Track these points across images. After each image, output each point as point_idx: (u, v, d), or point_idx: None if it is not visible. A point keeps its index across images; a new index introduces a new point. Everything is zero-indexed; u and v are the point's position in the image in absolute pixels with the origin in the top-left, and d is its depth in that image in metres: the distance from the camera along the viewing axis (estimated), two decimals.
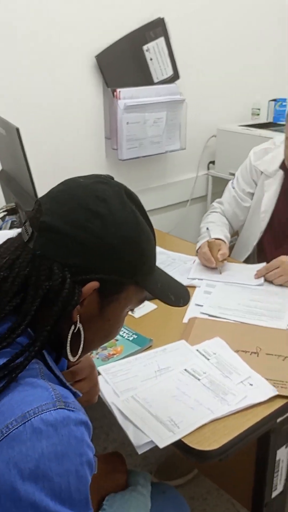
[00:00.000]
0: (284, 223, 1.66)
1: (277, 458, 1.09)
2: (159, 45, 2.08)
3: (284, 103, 2.40)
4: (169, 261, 1.66)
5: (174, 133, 2.22)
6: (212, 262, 1.53)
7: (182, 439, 0.89)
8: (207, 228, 1.65)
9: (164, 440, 0.87)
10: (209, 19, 2.27)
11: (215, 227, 1.70)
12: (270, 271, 1.48)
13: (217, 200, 1.85)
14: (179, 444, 0.89)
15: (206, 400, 0.97)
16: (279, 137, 1.71)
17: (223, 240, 1.61)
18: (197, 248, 1.61)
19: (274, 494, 1.12)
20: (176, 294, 0.76)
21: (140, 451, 0.87)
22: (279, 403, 1.00)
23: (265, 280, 1.49)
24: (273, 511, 1.15)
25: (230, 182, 1.81)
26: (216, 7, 2.27)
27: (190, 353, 1.12)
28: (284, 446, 1.10)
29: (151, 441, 0.88)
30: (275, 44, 2.51)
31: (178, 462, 1.72)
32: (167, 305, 1.36)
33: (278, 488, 1.13)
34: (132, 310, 0.75)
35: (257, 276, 1.50)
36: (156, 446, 0.88)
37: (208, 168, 2.52)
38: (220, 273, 1.54)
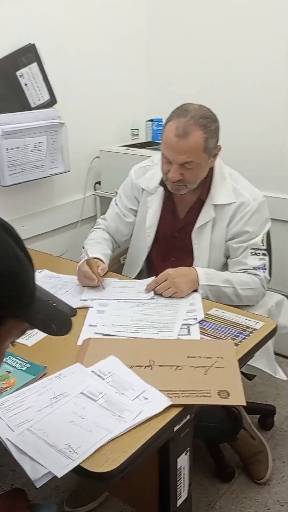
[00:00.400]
0: (168, 236, 1.74)
1: (178, 466, 1.13)
2: (32, 71, 2.09)
3: (160, 123, 2.52)
4: (61, 284, 1.65)
5: (57, 156, 2.23)
6: (94, 279, 1.55)
7: (81, 464, 0.89)
8: (83, 247, 1.68)
9: (62, 469, 0.86)
10: (80, 43, 2.32)
11: (94, 244, 1.73)
12: (158, 285, 1.53)
13: (101, 216, 1.89)
14: (79, 470, 0.89)
15: (103, 420, 0.98)
16: (157, 155, 1.79)
17: (99, 259, 1.65)
18: (77, 269, 1.62)
19: (179, 502, 1.16)
20: (58, 323, 0.77)
21: (38, 485, 0.86)
22: (174, 412, 1.03)
23: (155, 293, 1.54)
24: None
25: (113, 199, 1.85)
26: (85, 33, 2.33)
27: (86, 375, 1.12)
28: (184, 453, 1.13)
29: (49, 472, 0.86)
30: (146, 66, 2.62)
31: (89, 486, 1.70)
32: None
33: (183, 495, 1.16)
34: (13, 343, 0.74)
35: (147, 290, 1.54)
36: (66, 475, 0.86)
37: (95, 189, 2.56)
38: (103, 288, 1.56)
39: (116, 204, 1.82)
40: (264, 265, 1.63)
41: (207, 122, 1.48)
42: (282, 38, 2.14)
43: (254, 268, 1.61)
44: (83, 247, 1.69)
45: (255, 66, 2.26)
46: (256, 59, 2.25)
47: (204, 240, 1.65)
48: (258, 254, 1.62)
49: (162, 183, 1.67)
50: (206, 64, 2.39)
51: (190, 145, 1.46)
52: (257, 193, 1.64)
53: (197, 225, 1.65)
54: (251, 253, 1.61)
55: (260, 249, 1.63)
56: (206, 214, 1.64)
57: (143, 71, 2.63)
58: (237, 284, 1.57)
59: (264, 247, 1.64)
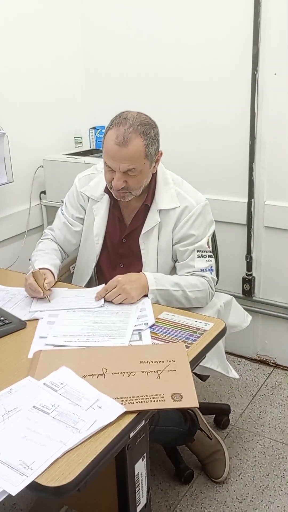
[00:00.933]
0: (116, 243, 1.74)
1: (136, 472, 1.13)
2: None
3: (103, 130, 2.52)
4: (9, 297, 1.62)
5: None
6: (39, 292, 1.53)
7: (36, 480, 0.87)
8: (30, 259, 1.67)
9: (16, 487, 0.84)
10: (17, 52, 2.29)
11: (43, 255, 1.71)
12: (108, 292, 1.53)
13: (49, 227, 1.88)
14: (34, 486, 0.87)
15: (57, 433, 0.96)
16: (101, 163, 1.79)
17: (48, 269, 1.63)
18: (24, 281, 1.60)
19: (138, 508, 1.16)
20: None
21: None
22: (129, 418, 1.03)
23: (105, 301, 1.53)
24: None
25: (59, 209, 1.84)
26: (23, 42, 2.31)
27: (38, 388, 1.10)
28: (141, 459, 1.14)
29: (3, 491, 0.84)
30: (86, 74, 2.63)
31: (47, 501, 1.66)
32: (10, 344, 1.34)
33: (142, 501, 1.16)
34: None
35: (97, 298, 1.54)
36: (23, 492, 0.84)
37: (40, 198, 2.53)
38: (49, 301, 1.54)
39: (63, 214, 1.81)
40: (211, 267, 1.67)
41: (146, 129, 1.50)
42: (228, 45, 2.20)
43: (201, 270, 1.64)
44: (30, 259, 1.67)
45: (197, 71, 2.31)
46: (197, 63, 2.30)
47: (151, 245, 1.67)
48: (204, 256, 1.65)
49: (107, 190, 1.68)
50: (147, 70, 2.42)
51: (130, 152, 1.48)
52: (200, 197, 1.68)
53: (143, 230, 1.66)
54: (198, 255, 1.64)
55: (206, 251, 1.66)
56: (151, 219, 1.66)
57: (83, 79, 2.63)
58: (185, 287, 1.59)
59: (210, 249, 1.68)
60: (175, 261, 1.70)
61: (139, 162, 1.50)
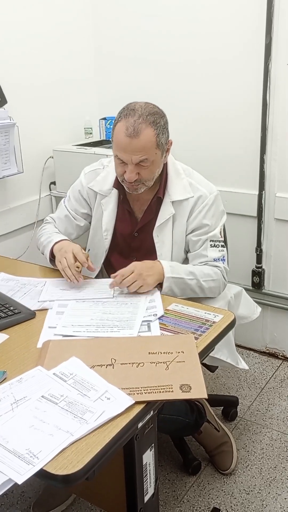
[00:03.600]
0: (127, 237, 1.73)
1: (144, 462, 1.13)
2: None
3: (113, 121, 2.51)
4: (19, 286, 1.62)
5: (9, 157, 2.18)
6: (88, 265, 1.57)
7: (44, 468, 0.88)
8: (39, 239, 1.75)
9: (22, 476, 0.85)
10: (29, 42, 2.29)
11: (58, 232, 1.75)
12: (125, 278, 1.50)
13: (50, 215, 1.86)
14: (42, 474, 0.87)
15: (65, 423, 0.97)
16: (106, 158, 1.78)
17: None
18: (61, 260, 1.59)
19: (146, 498, 1.16)
20: None
21: None
22: (138, 409, 1.03)
23: (117, 291, 1.53)
24: None
25: (62, 201, 1.83)
26: (35, 32, 2.30)
27: (47, 378, 1.11)
28: (149, 449, 1.14)
29: (9, 479, 0.85)
30: (98, 64, 2.61)
31: (55, 490, 1.68)
32: (19, 333, 1.35)
33: (149, 491, 1.17)
34: None
35: (113, 285, 1.52)
36: (32, 480, 0.85)
37: (50, 189, 2.53)
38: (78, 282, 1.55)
39: (65, 206, 1.79)
40: (224, 257, 1.66)
41: (156, 118, 1.49)
42: (240, 35, 2.18)
43: (214, 260, 1.64)
44: (39, 239, 1.72)
45: (209, 61, 2.28)
46: (209, 53, 2.28)
47: (166, 237, 1.66)
48: (217, 246, 1.64)
49: (117, 185, 1.66)
50: (157, 61, 2.40)
51: (142, 143, 1.46)
52: (211, 187, 1.67)
53: (157, 223, 1.65)
54: (211, 245, 1.64)
55: (219, 241, 1.66)
56: (165, 211, 1.64)
57: (94, 70, 2.62)
58: (199, 276, 1.59)
59: (222, 239, 1.68)
60: (187, 252, 1.69)
61: (151, 153, 1.49)
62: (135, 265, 1.52)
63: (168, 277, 1.54)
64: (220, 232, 1.67)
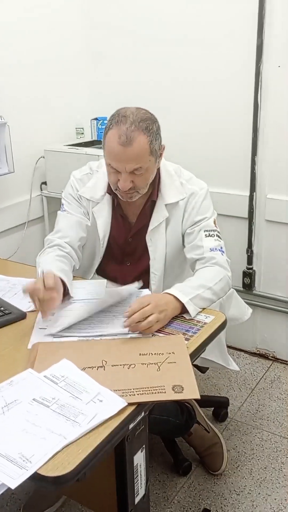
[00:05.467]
0: (122, 243, 1.70)
1: (135, 463, 1.13)
2: None
3: (105, 121, 2.50)
4: (9, 287, 1.61)
5: (0, 157, 2.17)
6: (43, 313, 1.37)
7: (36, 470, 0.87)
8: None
9: (15, 480, 0.84)
10: (22, 41, 2.28)
11: (49, 262, 1.54)
12: (142, 308, 1.30)
13: (51, 233, 1.70)
14: (33, 475, 0.87)
15: (57, 426, 0.96)
16: (93, 162, 1.73)
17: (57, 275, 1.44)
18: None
19: (137, 499, 1.16)
20: None
21: None
22: (129, 410, 1.03)
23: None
24: None
25: (61, 210, 1.71)
26: (27, 30, 2.29)
27: (38, 381, 1.10)
28: (140, 451, 1.14)
29: (2, 484, 0.84)
30: (89, 64, 2.61)
31: (46, 492, 1.67)
32: (9, 334, 1.33)
33: (140, 492, 1.17)
34: None
35: (128, 321, 1.29)
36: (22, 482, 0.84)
37: (41, 189, 2.52)
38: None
39: (69, 213, 1.68)
40: (221, 247, 1.60)
41: (148, 124, 1.44)
42: (231, 36, 2.19)
43: (211, 250, 1.57)
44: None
45: (200, 62, 2.29)
46: (201, 55, 2.28)
47: (159, 240, 1.64)
48: (212, 236, 1.60)
49: (110, 191, 1.62)
50: (149, 62, 2.40)
51: (136, 152, 1.42)
52: (200, 182, 1.66)
53: (151, 227, 1.63)
54: (205, 235, 1.59)
55: (214, 230, 1.61)
56: (159, 215, 1.62)
57: (86, 70, 2.61)
58: (208, 282, 1.48)
59: (218, 229, 1.63)
60: (182, 248, 1.66)
61: (145, 160, 1.45)
62: (149, 299, 1.34)
63: (187, 301, 1.39)
64: (214, 222, 1.63)
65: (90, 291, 1.56)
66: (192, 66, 2.30)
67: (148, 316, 1.29)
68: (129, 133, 1.40)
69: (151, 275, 1.66)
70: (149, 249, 1.65)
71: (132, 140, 1.40)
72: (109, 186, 1.60)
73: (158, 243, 1.64)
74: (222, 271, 1.55)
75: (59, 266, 1.51)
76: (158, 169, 1.61)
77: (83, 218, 1.68)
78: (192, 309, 1.39)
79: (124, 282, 1.54)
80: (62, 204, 1.71)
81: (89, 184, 1.67)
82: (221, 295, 1.53)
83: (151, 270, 1.66)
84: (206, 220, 1.62)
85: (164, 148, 1.56)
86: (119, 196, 1.57)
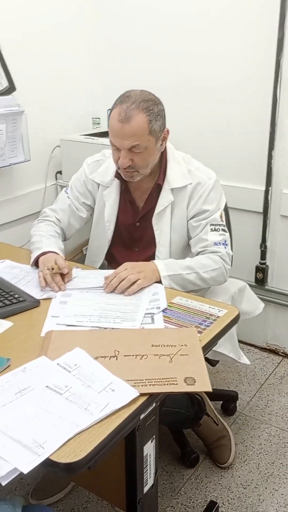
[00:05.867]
0: (129, 227, 1.73)
1: (145, 454, 1.13)
2: None
3: None
4: (23, 274, 1.62)
5: (17, 145, 2.18)
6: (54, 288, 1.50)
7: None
8: (31, 238, 1.72)
9: (28, 465, 0.85)
10: (40, 29, 2.27)
11: (49, 237, 1.69)
12: (118, 274, 1.47)
13: (49, 207, 1.82)
14: (45, 461, 0.88)
15: (69, 414, 0.97)
16: (107, 149, 1.77)
17: (57, 253, 1.61)
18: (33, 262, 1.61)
19: (145, 489, 1.17)
20: None
21: (4, 482, 0.84)
22: (141, 400, 1.03)
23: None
24: (147, 505, 1.19)
25: (63, 191, 1.81)
26: (45, 19, 2.28)
27: (51, 368, 1.11)
28: (150, 441, 1.14)
29: (15, 469, 0.85)
30: (106, 55, 2.59)
31: (54, 478, 1.69)
32: (23, 322, 1.35)
33: (149, 482, 1.18)
34: None
35: (106, 284, 1.48)
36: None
37: (56, 178, 2.53)
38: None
39: (68, 197, 1.78)
40: (225, 241, 1.65)
41: (149, 105, 1.49)
42: (251, 28, 2.16)
43: (215, 244, 1.62)
44: (31, 238, 1.70)
45: (218, 54, 2.27)
46: (220, 46, 2.26)
47: (164, 224, 1.66)
48: (218, 230, 1.64)
49: (118, 175, 1.66)
50: (165, 52, 2.39)
51: (133, 129, 1.47)
52: (210, 172, 1.67)
53: (156, 210, 1.66)
54: (211, 229, 1.63)
55: (219, 225, 1.64)
56: (164, 199, 1.65)
57: (102, 60, 2.60)
58: (198, 268, 1.58)
59: (223, 223, 1.66)
60: (189, 238, 1.69)
61: (143, 139, 1.49)
62: (127, 264, 1.50)
63: (164, 275, 1.53)
64: (221, 216, 1.66)
65: (103, 280, 1.56)
66: (210, 59, 2.27)
67: (126, 277, 1.45)
68: (128, 111, 1.46)
69: (155, 258, 1.68)
70: (155, 232, 1.67)
71: (131, 117, 1.46)
72: (117, 171, 1.64)
73: (163, 227, 1.66)
74: (219, 262, 1.61)
75: (61, 247, 1.67)
76: (165, 154, 1.63)
77: (80, 209, 1.77)
78: (166, 284, 1.52)
79: None
80: (67, 187, 1.80)
81: (100, 169, 1.73)
82: (210, 283, 1.62)
83: (156, 253, 1.68)
84: (213, 214, 1.64)
85: (168, 132, 1.58)
86: (122, 176, 1.61)
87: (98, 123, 2.54)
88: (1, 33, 2.05)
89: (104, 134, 2.46)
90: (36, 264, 1.61)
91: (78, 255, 2.34)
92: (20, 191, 2.37)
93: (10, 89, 2.14)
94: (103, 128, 2.56)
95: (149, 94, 1.53)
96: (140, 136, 1.49)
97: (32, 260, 1.63)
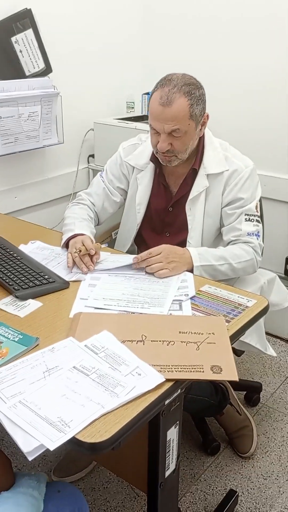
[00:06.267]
0: (161, 212, 1.72)
1: (168, 438, 1.14)
2: (28, 37, 2.03)
3: None
4: (53, 256, 1.64)
5: (51, 127, 2.19)
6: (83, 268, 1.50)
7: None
8: (64, 219, 1.73)
9: (54, 442, 0.87)
10: (78, 12, 2.26)
11: (82, 220, 1.69)
12: (151, 256, 1.49)
13: (84, 191, 1.83)
14: (71, 440, 0.89)
15: (96, 395, 0.98)
16: (145, 133, 1.77)
17: (88, 236, 1.61)
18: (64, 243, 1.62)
19: (167, 473, 1.18)
20: None
21: (30, 457, 0.86)
22: (166, 386, 1.04)
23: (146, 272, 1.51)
24: (168, 489, 1.20)
25: (98, 175, 1.81)
26: (83, 2, 2.27)
27: (79, 350, 1.12)
28: (173, 426, 1.15)
29: (41, 445, 0.87)
30: (142, 39, 2.57)
31: (76, 456, 1.72)
32: (53, 302, 1.36)
33: (171, 467, 1.18)
34: None
35: (137, 259, 1.49)
36: None
37: (88, 162, 2.53)
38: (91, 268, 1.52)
39: (103, 181, 1.78)
40: (258, 232, 1.63)
41: (191, 89, 1.47)
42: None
43: (248, 234, 1.61)
44: (64, 219, 1.71)
45: (254, 43, 2.22)
46: (255, 38, 2.21)
47: (197, 210, 1.65)
48: (252, 220, 1.62)
49: (153, 158, 1.66)
50: (205, 39, 2.35)
51: (174, 112, 1.46)
52: (247, 160, 1.65)
53: (190, 195, 1.64)
54: (245, 219, 1.61)
55: (254, 215, 1.63)
56: (199, 184, 1.63)
57: (140, 44, 2.57)
58: (231, 259, 1.56)
59: (258, 214, 1.64)
60: (222, 226, 1.67)
61: (184, 123, 1.48)
62: (164, 248, 1.50)
63: (197, 266, 1.52)
64: (256, 206, 1.64)
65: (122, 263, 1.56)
66: (252, 46, 2.23)
67: (156, 263, 1.45)
68: (170, 94, 1.45)
69: (187, 244, 1.66)
70: (188, 218, 1.66)
71: (172, 101, 1.45)
72: (153, 154, 1.64)
73: (196, 213, 1.64)
74: (252, 253, 1.60)
75: (92, 231, 1.67)
76: (202, 139, 1.61)
77: (114, 193, 1.77)
78: (197, 273, 1.50)
79: None
80: (103, 170, 1.80)
81: (135, 152, 1.72)
82: (240, 274, 1.61)
83: (187, 239, 1.67)
84: (248, 203, 1.61)
85: (208, 117, 1.57)
86: (160, 160, 1.59)
87: (132, 107, 2.53)
88: (40, 16, 2.05)
89: (138, 119, 2.44)
90: (66, 246, 1.62)
91: (107, 239, 2.35)
92: (53, 173, 2.39)
93: (46, 70, 2.14)
94: (137, 112, 2.55)
95: (191, 78, 1.51)
96: (181, 120, 1.47)
97: (63, 241, 1.65)
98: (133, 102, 2.53)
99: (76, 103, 2.35)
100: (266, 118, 2.27)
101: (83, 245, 1.52)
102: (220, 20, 2.28)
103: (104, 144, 2.39)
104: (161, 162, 1.60)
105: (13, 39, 2.00)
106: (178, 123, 1.47)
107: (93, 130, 2.42)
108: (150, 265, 1.48)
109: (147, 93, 2.50)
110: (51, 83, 2.13)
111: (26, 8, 2.01)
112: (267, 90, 2.24)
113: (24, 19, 2.00)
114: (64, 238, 1.64)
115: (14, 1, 1.97)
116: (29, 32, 2.03)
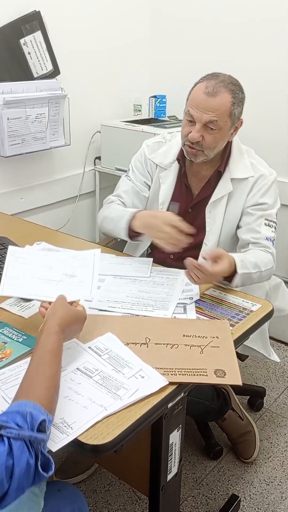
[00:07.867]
0: (181, 213, 1.69)
1: (170, 442, 1.14)
2: (36, 39, 2.04)
3: (163, 100, 2.48)
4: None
5: (58, 128, 2.19)
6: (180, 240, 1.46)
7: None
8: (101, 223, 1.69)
9: (57, 444, 0.87)
10: (86, 14, 2.27)
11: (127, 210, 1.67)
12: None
13: (114, 194, 1.78)
14: (73, 442, 0.89)
15: (99, 397, 0.98)
16: (168, 133, 1.77)
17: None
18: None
19: (169, 477, 1.17)
20: None
21: None
22: (169, 389, 1.04)
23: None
24: (169, 493, 1.20)
25: (124, 175, 1.78)
26: (91, 4, 2.28)
27: (82, 351, 1.12)
28: (176, 430, 1.15)
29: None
30: (150, 42, 2.57)
31: (79, 458, 1.72)
32: None
33: (173, 470, 1.18)
34: None
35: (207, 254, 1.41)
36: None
37: (95, 164, 2.53)
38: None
39: (129, 179, 1.75)
40: (274, 239, 1.62)
41: (236, 88, 1.50)
42: None
43: (267, 239, 1.59)
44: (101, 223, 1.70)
45: (265, 45, 2.22)
46: (266, 40, 2.21)
47: (218, 214, 1.63)
48: (271, 226, 1.61)
49: (179, 157, 1.65)
50: (212, 41, 2.35)
51: (217, 104, 1.46)
52: (271, 169, 1.65)
53: (212, 198, 1.63)
54: (265, 223, 1.60)
55: (273, 222, 1.62)
56: (223, 188, 1.62)
57: (148, 47, 2.58)
58: (263, 266, 1.52)
59: (276, 222, 1.63)
60: (237, 228, 1.65)
61: (223, 117, 1.48)
62: (224, 265, 1.38)
63: (241, 273, 1.43)
64: (276, 214, 1.64)
65: (137, 268, 1.56)
66: (252, 48, 2.23)
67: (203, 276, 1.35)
68: (217, 86, 1.47)
69: (203, 246, 1.65)
70: (207, 221, 1.64)
71: (217, 93, 1.47)
72: (180, 152, 1.63)
73: (216, 217, 1.63)
74: (272, 261, 1.58)
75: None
76: (230, 144, 1.61)
77: (142, 189, 1.74)
78: (235, 282, 1.45)
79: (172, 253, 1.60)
80: (128, 170, 1.77)
81: (160, 151, 1.71)
82: (260, 281, 1.57)
83: (204, 241, 1.65)
84: (270, 209, 1.61)
85: (241, 123, 1.57)
86: (185, 153, 1.58)
87: (139, 110, 2.53)
88: (49, 18, 2.06)
89: (144, 122, 2.45)
90: (129, 230, 1.58)
91: (112, 241, 2.35)
92: (59, 175, 2.40)
93: (54, 72, 2.15)
94: (144, 115, 2.55)
95: (237, 80, 1.53)
96: (222, 114, 1.48)
97: (125, 225, 1.58)
98: (140, 105, 2.53)
99: (83, 105, 2.35)
100: (279, 123, 2.26)
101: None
102: (228, 22, 2.28)
103: (111, 147, 2.39)
104: (186, 156, 1.58)
105: (21, 41, 2.01)
106: (218, 115, 1.47)
107: (100, 132, 2.43)
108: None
109: (154, 96, 2.51)
110: (59, 85, 2.13)
111: (35, 10, 2.02)
112: (277, 95, 2.23)
113: (32, 21, 2.01)
114: (124, 221, 1.58)
115: (23, 3, 1.98)
116: (38, 34, 2.04)
